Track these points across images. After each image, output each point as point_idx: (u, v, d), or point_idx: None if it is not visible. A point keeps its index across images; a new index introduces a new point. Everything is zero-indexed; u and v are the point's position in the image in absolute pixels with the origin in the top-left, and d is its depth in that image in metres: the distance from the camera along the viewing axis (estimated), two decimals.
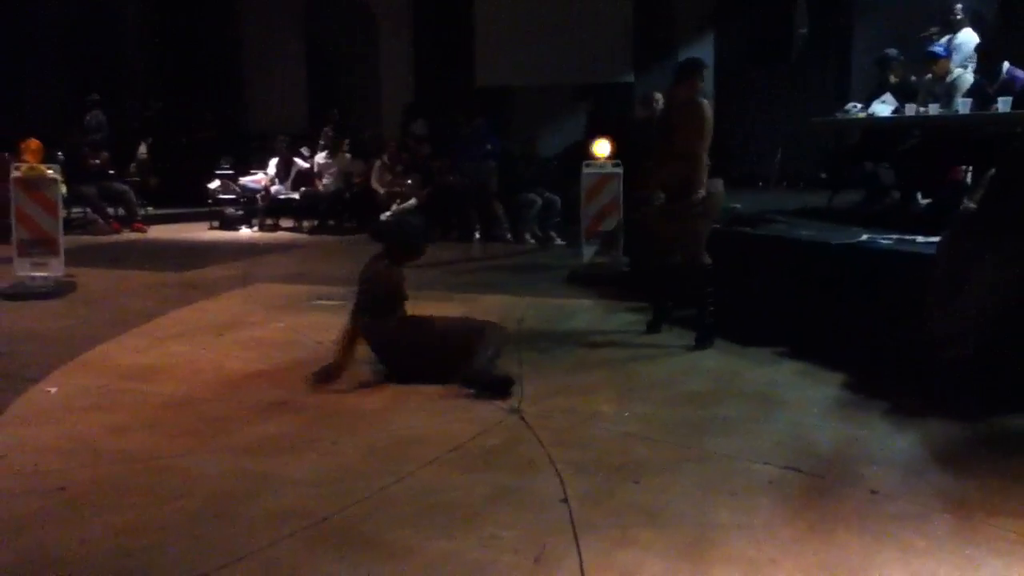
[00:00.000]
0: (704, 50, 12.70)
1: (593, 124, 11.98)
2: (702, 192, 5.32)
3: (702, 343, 5.45)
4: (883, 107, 7.32)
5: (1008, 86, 6.47)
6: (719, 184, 5.51)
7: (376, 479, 3.50)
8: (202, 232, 11.85)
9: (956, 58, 7.36)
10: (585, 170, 8.25)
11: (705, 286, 5.45)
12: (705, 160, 5.36)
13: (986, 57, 6.96)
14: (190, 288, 7.64)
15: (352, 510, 3.24)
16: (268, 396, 4.61)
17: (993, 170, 4.67)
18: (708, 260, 5.44)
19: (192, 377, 4.99)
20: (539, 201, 10.72)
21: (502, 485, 3.44)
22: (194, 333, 6.03)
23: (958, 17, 7.74)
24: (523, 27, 12.48)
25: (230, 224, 11.98)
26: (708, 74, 12.02)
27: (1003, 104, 6.17)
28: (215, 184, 12.73)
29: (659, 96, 8.15)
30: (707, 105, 5.42)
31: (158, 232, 11.74)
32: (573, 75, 12.38)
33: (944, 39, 7.70)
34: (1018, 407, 4.10)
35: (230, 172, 12.83)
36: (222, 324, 6.29)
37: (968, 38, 7.56)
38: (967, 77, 7.02)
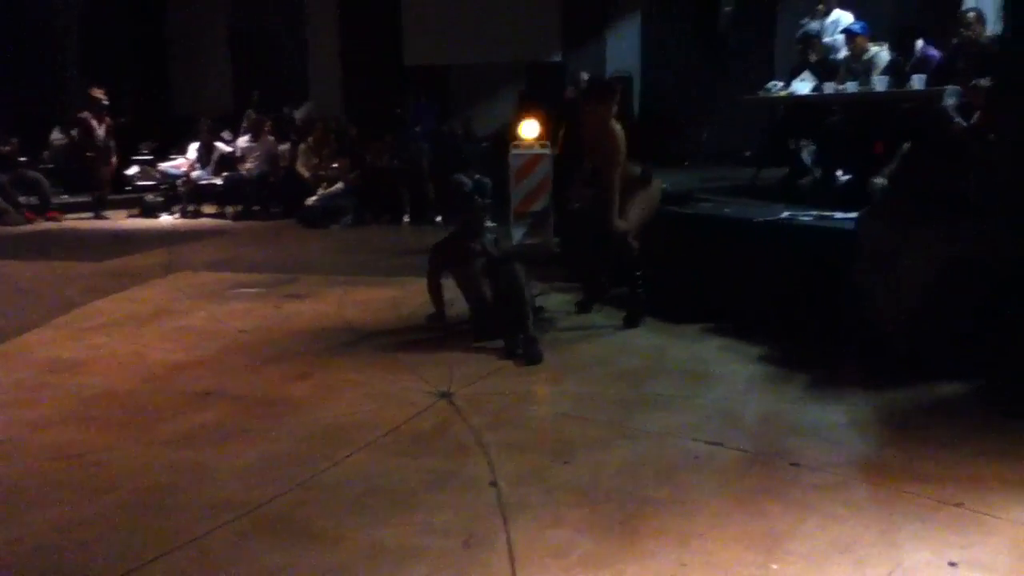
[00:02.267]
0: (632, 29, 12.79)
1: (523, 104, 11.95)
2: (622, 224, 5.40)
3: (632, 322, 5.51)
4: (803, 85, 7.47)
5: (922, 63, 6.65)
6: (657, 185, 5.68)
7: (309, 466, 3.47)
8: (121, 220, 11.50)
9: (828, 37, 7.74)
10: (513, 151, 8.23)
11: (634, 267, 5.50)
12: (617, 182, 5.43)
13: (902, 35, 7.16)
14: (110, 278, 7.42)
15: (286, 498, 3.21)
16: (195, 386, 4.53)
17: (907, 145, 4.82)
18: (636, 243, 5.49)
19: (116, 369, 4.86)
20: (469, 183, 10.66)
21: (434, 469, 3.44)
22: (116, 324, 5.87)
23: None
24: (451, 5, 12.36)
25: (150, 211, 11.64)
26: (635, 52, 12.17)
27: (918, 81, 6.34)
28: (134, 170, 12.35)
29: (586, 75, 8.17)
30: (620, 131, 5.49)
31: (74, 221, 11.35)
32: (502, 54, 12.32)
33: (817, 21, 8.12)
34: (936, 376, 4.24)
35: (149, 157, 12.46)
36: (145, 314, 6.14)
37: (838, 17, 7.93)
38: (883, 55, 7.20)
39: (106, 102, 11.58)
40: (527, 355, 4.81)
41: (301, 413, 4.11)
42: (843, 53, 7.61)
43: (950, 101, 5.28)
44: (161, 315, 6.10)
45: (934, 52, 6.75)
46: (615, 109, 5.58)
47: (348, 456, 3.57)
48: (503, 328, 5.09)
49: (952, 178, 4.35)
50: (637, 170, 5.63)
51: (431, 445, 3.72)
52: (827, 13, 8.51)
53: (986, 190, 4.17)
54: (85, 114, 11.47)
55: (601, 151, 5.50)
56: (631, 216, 5.50)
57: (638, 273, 5.49)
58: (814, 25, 8.51)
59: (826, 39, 8.09)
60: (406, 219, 10.73)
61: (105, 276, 7.51)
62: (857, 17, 8.00)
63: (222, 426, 3.96)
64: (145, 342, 5.41)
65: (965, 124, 4.31)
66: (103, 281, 7.26)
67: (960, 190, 4.29)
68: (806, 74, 7.57)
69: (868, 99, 6.80)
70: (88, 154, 11.53)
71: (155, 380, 4.67)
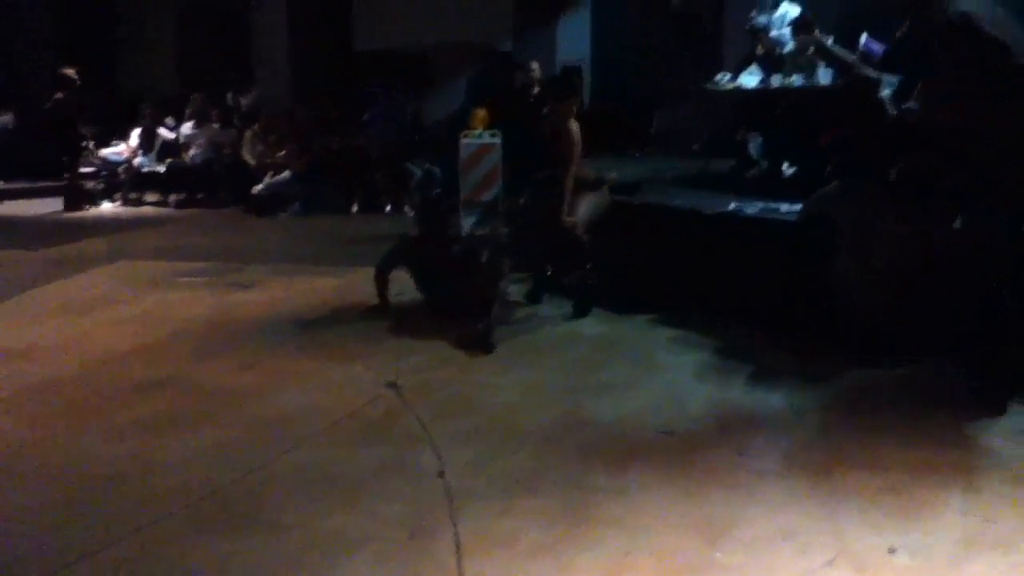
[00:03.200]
0: (582, 19, 12.79)
1: (473, 92, 11.90)
2: (572, 220, 5.46)
3: (581, 312, 5.54)
4: (750, 79, 7.55)
5: (866, 57, 6.76)
6: (604, 191, 5.77)
7: (257, 455, 3.45)
8: (60, 207, 11.19)
9: (776, 31, 7.80)
10: (463, 140, 8.20)
11: (583, 257, 5.53)
12: (572, 178, 5.50)
13: (847, 29, 7.26)
14: (51, 266, 7.24)
15: (235, 487, 3.19)
16: (141, 376, 4.45)
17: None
18: (585, 236, 5.51)
19: (60, 358, 4.76)
20: (418, 172, 10.60)
21: (383, 459, 3.42)
22: (58, 312, 5.73)
23: None
24: None
25: (91, 198, 11.35)
26: (585, 43, 12.18)
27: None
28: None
29: (535, 66, 8.17)
30: (577, 130, 5.54)
31: (9, 208, 11.02)
32: (452, 41, 12.23)
33: (765, 15, 8.19)
34: (877, 364, 4.33)
35: (90, 143, 12.13)
36: (87, 302, 6.00)
37: (785, 10, 8.03)
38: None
39: (79, 82, 11.18)
40: (482, 343, 4.81)
41: (248, 402, 4.06)
42: (790, 47, 7.71)
43: (886, 91, 5.38)
44: (104, 303, 5.97)
45: (876, 47, 6.86)
46: (574, 109, 5.63)
47: (296, 445, 3.54)
48: (464, 312, 5.15)
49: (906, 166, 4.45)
50: (591, 172, 5.67)
51: (379, 434, 3.70)
52: (775, 6, 8.61)
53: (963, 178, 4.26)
54: (59, 95, 11.06)
55: (557, 149, 5.53)
56: (580, 211, 5.53)
57: (588, 263, 5.52)
58: (762, 18, 8.60)
59: (773, 33, 8.19)
60: (355, 208, 10.62)
61: (45, 264, 7.33)
62: (804, 11, 8.09)
63: (168, 415, 3.90)
64: (88, 331, 5.30)
65: (897, 112, 4.41)
66: (43, 269, 7.09)
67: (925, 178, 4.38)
68: (754, 67, 7.65)
69: (814, 92, 6.89)
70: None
71: (99, 369, 4.57)
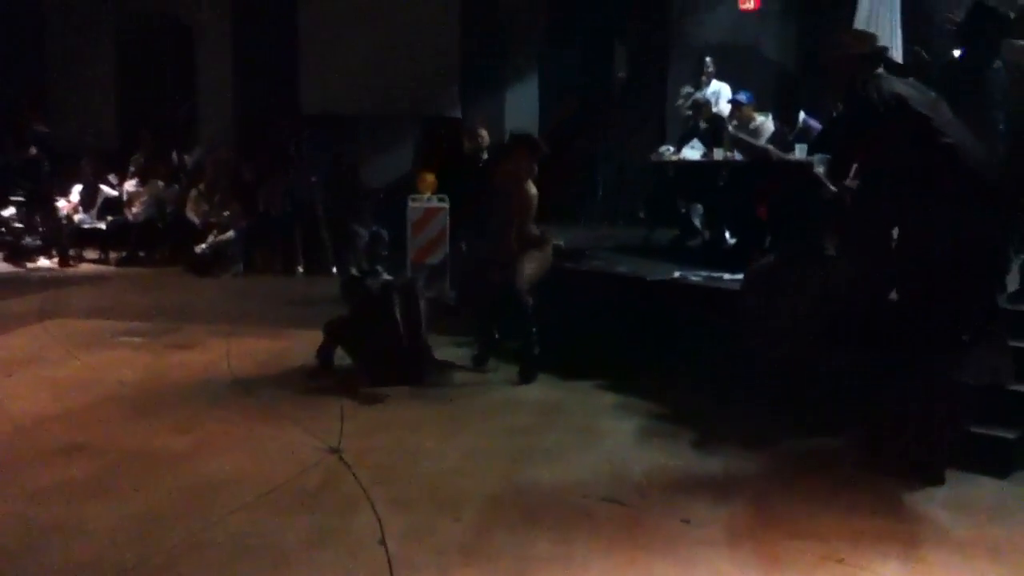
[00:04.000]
0: (529, 87, 13.04)
1: (421, 156, 11.97)
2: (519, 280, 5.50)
3: (526, 377, 5.51)
4: (692, 152, 7.74)
5: (804, 133, 6.99)
6: (548, 249, 5.77)
7: (184, 525, 3.31)
8: None
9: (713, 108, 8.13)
10: (411, 204, 8.24)
11: (529, 322, 5.53)
12: (529, 231, 5.63)
13: (785, 106, 7.52)
14: None
15: (154, 560, 3.04)
16: (63, 439, 4.26)
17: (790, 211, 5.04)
18: (530, 299, 5.53)
19: None
20: (366, 234, 10.57)
21: (319, 527, 3.31)
22: None
23: (709, 70, 8.92)
24: (350, 55, 12.32)
25: (27, 255, 11.05)
26: (533, 110, 12.40)
27: (799, 150, 6.65)
28: (10, 211, 11.73)
29: (484, 132, 8.26)
30: (534, 191, 5.65)
31: None
32: (401, 106, 12.35)
33: (700, 92, 8.53)
34: (817, 431, 4.37)
35: (25, 199, 11.86)
36: (14, 362, 5.79)
37: (718, 88, 8.34)
38: (768, 125, 7.54)
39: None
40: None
41: (178, 469, 3.91)
42: (732, 122, 7.90)
43: (820, 169, 5.55)
44: (31, 364, 5.76)
45: (814, 123, 7.10)
46: (535, 169, 5.68)
47: (227, 515, 3.41)
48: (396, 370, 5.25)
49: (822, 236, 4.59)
50: (536, 230, 5.72)
51: (317, 502, 3.59)
52: (707, 84, 8.94)
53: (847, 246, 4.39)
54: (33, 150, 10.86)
55: (508, 205, 5.57)
56: (526, 271, 5.55)
57: (533, 328, 5.51)
58: (698, 94, 8.87)
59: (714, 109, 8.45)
60: (300, 269, 10.51)
61: None
62: (741, 88, 8.35)
63: (88, 483, 3.73)
64: (11, 392, 5.09)
65: (835, 189, 4.55)
66: None
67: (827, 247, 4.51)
68: (695, 141, 7.85)
69: (755, 166, 7.07)
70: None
71: (20, 433, 4.38)
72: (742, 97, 7.74)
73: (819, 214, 4.78)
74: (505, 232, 5.59)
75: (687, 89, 8.87)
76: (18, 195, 11.86)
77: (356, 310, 5.67)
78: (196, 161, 11.99)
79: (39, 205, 11.04)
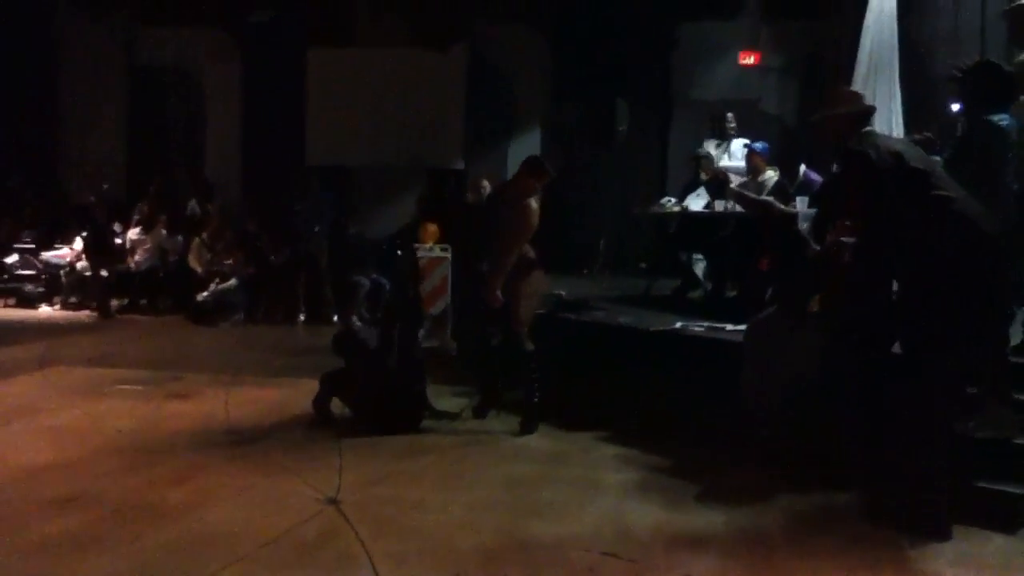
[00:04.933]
0: (532, 140, 13.17)
1: (424, 208, 12.05)
2: (498, 297, 5.39)
3: (527, 428, 5.46)
4: (697, 201, 7.77)
5: (806, 186, 7.03)
6: (540, 275, 5.63)
7: None
8: None
9: (732, 163, 8.06)
10: None
11: (530, 372, 5.49)
12: (514, 256, 5.44)
13: (786, 160, 7.57)
14: None
15: None
16: (60, 490, 4.21)
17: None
18: (531, 346, 5.51)
19: None
20: (367, 284, 10.58)
21: None
22: None
23: (731, 126, 8.70)
24: (356, 109, 12.49)
25: (28, 301, 11.07)
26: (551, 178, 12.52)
27: (800, 203, 6.68)
28: (13, 258, 11.79)
29: (486, 183, 8.31)
30: (536, 209, 5.53)
31: None
32: (405, 159, 12.46)
33: (720, 146, 8.50)
34: (815, 485, 4.31)
35: (31, 246, 11.94)
36: (12, 410, 5.76)
37: (739, 147, 8.30)
38: (776, 178, 7.57)
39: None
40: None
41: (174, 521, 3.86)
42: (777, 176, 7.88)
43: (804, 225, 5.57)
44: (29, 412, 5.72)
45: (815, 176, 7.15)
46: (539, 188, 5.59)
47: (221, 569, 3.35)
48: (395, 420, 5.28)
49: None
50: (531, 252, 5.61)
51: (315, 556, 3.53)
52: (730, 139, 8.78)
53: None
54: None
55: (508, 224, 5.48)
56: (523, 314, 5.51)
57: (534, 376, 5.48)
58: (704, 148, 8.84)
59: (733, 163, 8.31)
60: (302, 318, 10.51)
61: None
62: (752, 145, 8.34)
63: (85, 534, 3.68)
64: (8, 441, 5.06)
65: (817, 247, 4.56)
66: None
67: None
68: (701, 191, 7.88)
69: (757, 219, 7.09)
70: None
71: (15, 483, 4.33)
72: (757, 146, 7.74)
73: (803, 271, 4.79)
74: (504, 252, 5.43)
75: (708, 144, 8.78)
76: (24, 242, 11.96)
77: (351, 362, 5.64)
78: (201, 210, 12.08)
79: (96, 249, 11.14)
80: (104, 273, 10.90)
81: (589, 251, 11.15)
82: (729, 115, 8.75)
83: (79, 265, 11.26)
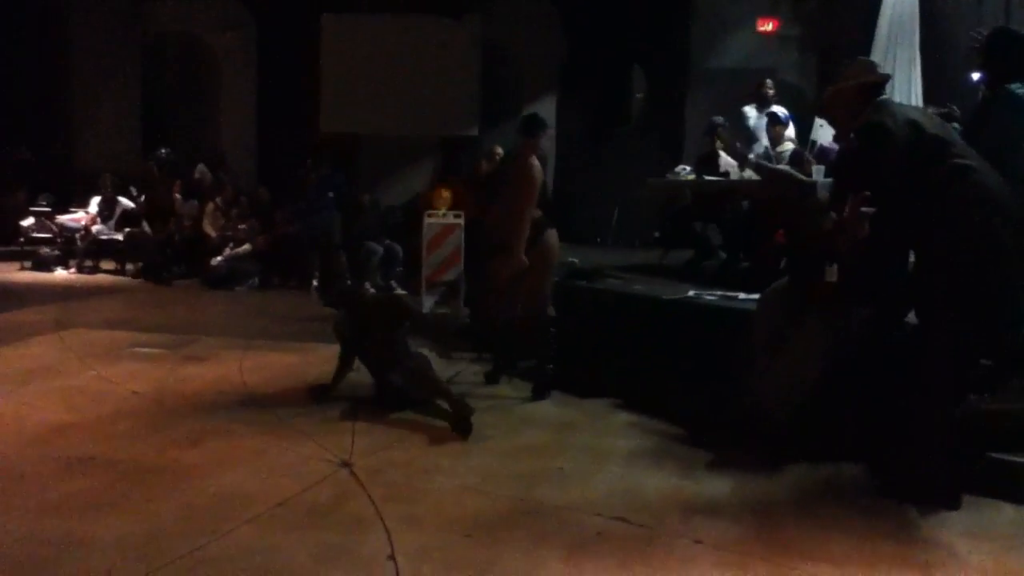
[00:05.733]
0: (547, 109, 13.07)
1: (438, 176, 12.03)
2: (522, 258, 5.37)
3: (539, 395, 5.48)
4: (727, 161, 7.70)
5: (823, 156, 6.95)
6: (553, 235, 5.58)
7: (191, 539, 3.28)
8: (11, 273, 10.97)
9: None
10: (427, 220, 8.26)
11: (544, 338, 5.49)
12: (528, 217, 5.40)
13: (804, 129, 7.49)
14: None
15: (162, 573, 3.01)
16: (76, 450, 4.26)
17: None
18: (552, 311, 5.50)
19: None
20: (380, 251, 10.60)
21: (328, 543, 3.29)
22: None
23: (770, 92, 8.31)
24: (371, 76, 12.43)
25: (44, 265, 11.15)
26: (550, 134, 12.45)
27: (817, 173, 6.61)
28: (29, 221, 11.86)
29: (500, 150, 8.27)
30: (538, 167, 5.48)
31: None
32: (419, 127, 12.41)
33: (761, 114, 8.24)
34: (824, 457, 4.31)
35: (47, 209, 12.00)
36: (29, 372, 5.80)
37: (780, 113, 8.10)
38: (793, 148, 7.48)
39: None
40: (459, 426, 4.73)
41: (188, 482, 3.90)
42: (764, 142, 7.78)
43: (823, 194, 5.50)
44: (47, 374, 5.78)
45: (832, 145, 7.07)
46: (539, 146, 5.56)
47: (234, 529, 3.39)
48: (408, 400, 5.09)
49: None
50: (553, 234, 5.58)
51: (327, 518, 3.57)
52: (769, 107, 8.49)
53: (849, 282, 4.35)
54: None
55: (511, 189, 5.46)
56: (544, 288, 5.50)
57: (548, 341, 5.48)
58: (749, 114, 8.59)
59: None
60: (315, 283, 10.53)
61: None
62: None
63: (101, 495, 3.72)
64: (26, 402, 5.10)
65: (835, 216, 4.51)
66: None
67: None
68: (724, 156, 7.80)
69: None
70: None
71: (33, 444, 4.38)
72: (781, 115, 7.63)
73: (819, 242, 4.74)
74: (518, 215, 5.39)
75: (748, 111, 8.52)
76: (40, 206, 12.02)
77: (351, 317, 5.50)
78: (212, 175, 12.08)
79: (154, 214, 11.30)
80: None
81: (603, 220, 11.12)
82: (768, 81, 8.38)
83: (94, 228, 11.31)
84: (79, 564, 3.06)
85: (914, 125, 3.86)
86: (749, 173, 7.17)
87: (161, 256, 10.83)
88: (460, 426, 4.72)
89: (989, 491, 3.83)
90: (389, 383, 5.23)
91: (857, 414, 4.22)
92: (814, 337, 4.37)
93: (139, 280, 10.70)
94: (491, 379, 5.84)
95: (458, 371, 5.92)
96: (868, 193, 4.14)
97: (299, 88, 12.77)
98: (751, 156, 7.51)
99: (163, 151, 11.96)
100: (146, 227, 11.22)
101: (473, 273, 7.95)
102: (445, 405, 4.96)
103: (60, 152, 13.62)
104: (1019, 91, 4.21)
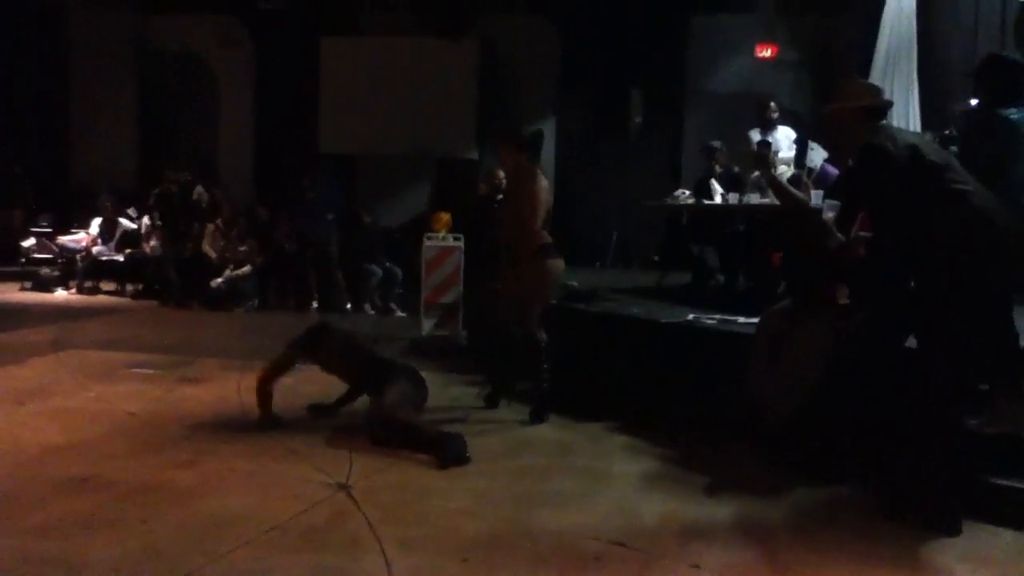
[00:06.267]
0: (546, 131, 13.11)
1: (437, 197, 12.07)
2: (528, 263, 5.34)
3: (536, 418, 5.47)
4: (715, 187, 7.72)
5: (822, 179, 6.97)
6: (559, 263, 5.57)
7: (187, 560, 3.26)
8: (11, 293, 10.97)
9: (783, 152, 7.78)
10: (426, 242, 8.28)
11: (540, 361, 5.49)
12: (536, 229, 5.38)
13: (801, 153, 7.49)
14: None
15: None
16: (71, 471, 4.24)
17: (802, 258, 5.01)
18: (543, 336, 5.50)
19: None
20: (380, 272, 10.62)
21: (323, 566, 3.27)
22: None
23: (774, 115, 8.24)
24: (369, 98, 12.51)
25: (44, 285, 11.16)
26: (549, 155, 12.49)
27: (815, 196, 6.63)
28: (30, 242, 11.88)
29: (502, 173, 8.29)
30: (544, 186, 5.48)
31: None
32: (417, 148, 12.46)
33: (768, 136, 8.20)
34: (824, 477, 4.29)
35: (47, 230, 12.03)
36: (25, 392, 5.79)
37: (784, 135, 8.12)
38: (792, 171, 7.50)
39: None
40: (445, 458, 4.57)
41: (183, 503, 3.88)
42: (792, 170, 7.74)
43: (830, 215, 5.51)
44: (43, 394, 5.76)
45: (832, 170, 7.09)
46: (534, 159, 5.54)
47: (231, 551, 3.37)
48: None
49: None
50: (546, 236, 5.52)
51: (323, 540, 3.55)
52: (773, 128, 8.26)
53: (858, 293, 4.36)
54: None
55: (512, 210, 5.46)
56: (537, 304, 5.49)
57: (545, 366, 5.48)
58: (716, 142, 8.66)
59: (781, 153, 8.01)
60: (315, 305, 10.55)
61: None
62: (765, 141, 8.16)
63: (94, 515, 3.70)
64: (22, 422, 5.09)
65: (843, 239, 4.52)
66: None
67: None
68: (713, 183, 7.84)
69: (769, 211, 7.05)
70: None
71: (27, 464, 4.36)
72: (781, 138, 7.66)
73: (828, 262, 4.75)
74: (527, 229, 5.36)
75: (752, 135, 8.52)
76: (40, 226, 12.05)
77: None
78: (209, 196, 12.10)
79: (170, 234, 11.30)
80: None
81: (601, 243, 11.14)
82: (772, 104, 8.29)
83: (95, 249, 11.33)
84: None
85: (914, 150, 3.88)
86: (748, 197, 7.18)
87: (181, 277, 10.77)
88: (447, 458, 4.56)
89: (988, 516, 3.81)
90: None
91: (856, 416, 4.20)
92: (815, 339, 4.38)
93: (143, 301, 10.70)
94: (489, 402, 5.82)
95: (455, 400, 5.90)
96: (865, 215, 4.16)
97: (297, 107, 12.85)
98: (772, 172, 7.50)
99: (185, 174, 11.97)
100: (149, 247, 11.23)
101: (472, 294, 7.98)
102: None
103: (57, 168, 13.65)
104: (1012, 116, 4.25)
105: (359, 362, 5.42)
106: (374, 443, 4.84)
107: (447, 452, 4.59)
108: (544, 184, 5.51)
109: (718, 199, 7.61)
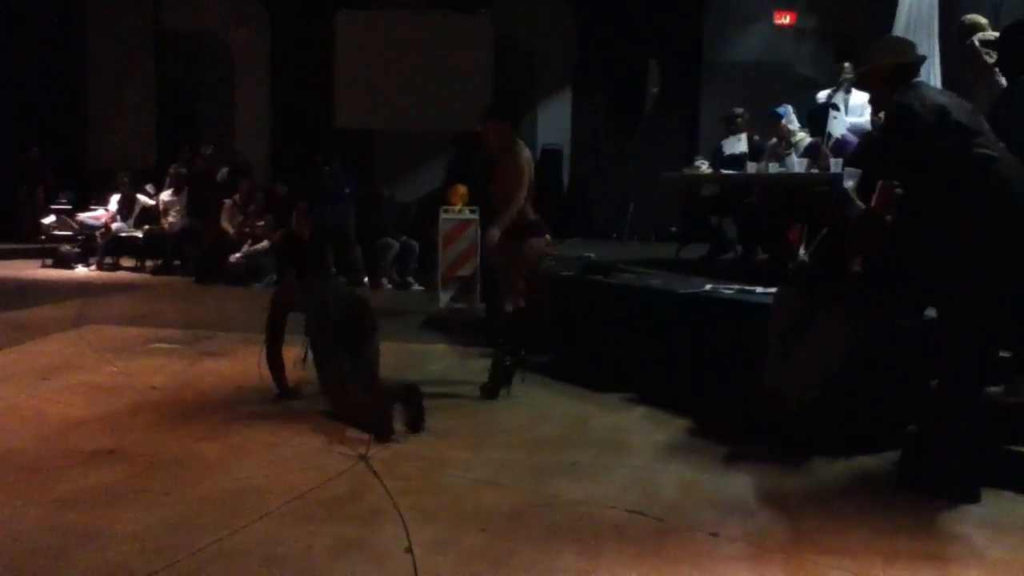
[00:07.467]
0: (563, 105, 13.06)
1: (453, 171, 12.04)
2: (495, 233, 5.25)
3: (489, 392, 5.33)
4: (735, 144, 7.64)
5: (840, 148, 6.90)
6: (541, 242, 5.53)
7: (208, 532, 3.30)
8: (33, 270, 11.08)
9: (847, 118, 7.49)
10: (443, 216, 8.28)
11: (504, 334, 5.41)
12: (521, 206, 5.30)
13: (820, 121, 7.39)
14: (15, 329, 7.10)
15: (180, 566, 3.03)
16: (95, 444, 4.30)
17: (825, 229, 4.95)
18: (510, 308, 5.40)
19: (9, 424, 4.60)
20: (397, 246, 10.63)
21: (344, 536, 3.30)
22: (16, 377, 5.59)
23: (848, 76, 7.46)
24: (384, 72, 12.47)
25: (65, 262, 11.27)
26: (565, 128, 12.43)
27: (835, 165, 6.56)
28: (50, 219, 11.98)
29: None
30: (526, 156, 5.43)
31: None
32: (433, 122, 12.43)
33: (836, 96, 7.84)
34: (849, 451, 4.29)
35: (67, 207, 12.12)
36: (49, 367, 5.86)
37: (858, 99, 7.39)
38: (807, 140, 7.41)
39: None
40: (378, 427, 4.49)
41: (205, 475, 3.93)
42: (771, 140, 7.65)
43: (849, 183, 5.43)
44: (66, 369, 5.83)
45: (852, 137, 7.01)
46: (514, 129, 5.50)
47: (252, 522, 3.41)
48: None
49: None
50: (533, 215, 5.47)
51: (343, 510, 3.58)
52: (847, 92, 7.59)
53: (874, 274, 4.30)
54: None
55: (497, 185, 5.40)
56: (512, 276, 5.42)
57: (507, 340, 5.38)
58: (821, 96, 8.28)
59: (852, 118, 7.67)
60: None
61: (9, 327, 7.18)
62: (783, 104, 8.00)
63: (118, 487, 3.75)
64: (45, 396, 5.16)
65: (862, 206, 4.45)
66: (6, 332, 6.94)
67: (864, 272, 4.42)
68: (742, 136, 7.74)
69: (786, 179, 7.00)
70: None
71: (51, 437, 4.43)
72: (780, 111, 7.57)
73: (846, 230, 4.70)
74: (505, 203, 5.28)
75: (821, 96, 8.18)
76: (60, 204, 12.14)
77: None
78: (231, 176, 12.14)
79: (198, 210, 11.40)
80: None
81: (618, 216, 11.11)
82: (846, 65, 7.66)
83: (114, 226, 11.42)
84: (97, 555, 3.08)
85: (941, 111, 3.80)
86: (773, 167, 7.11)
87: (214, 252, 10.75)
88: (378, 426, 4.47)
89: (1008, 484, 3.80)
90: None
91: (873, 402, 4.19)
92: (837, 326, 4.33)
93: (162, 277, 10.77)
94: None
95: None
96: (896, 183, 4.10)
97: (313, 83, 12.83)
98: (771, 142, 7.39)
99: (209, 148, 12.02)
100: (167, 223, 11.29)
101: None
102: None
103: (75, 148, 13.73)
104: None
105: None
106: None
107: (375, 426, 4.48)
108: (527, 156, 5.46)
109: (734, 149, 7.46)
